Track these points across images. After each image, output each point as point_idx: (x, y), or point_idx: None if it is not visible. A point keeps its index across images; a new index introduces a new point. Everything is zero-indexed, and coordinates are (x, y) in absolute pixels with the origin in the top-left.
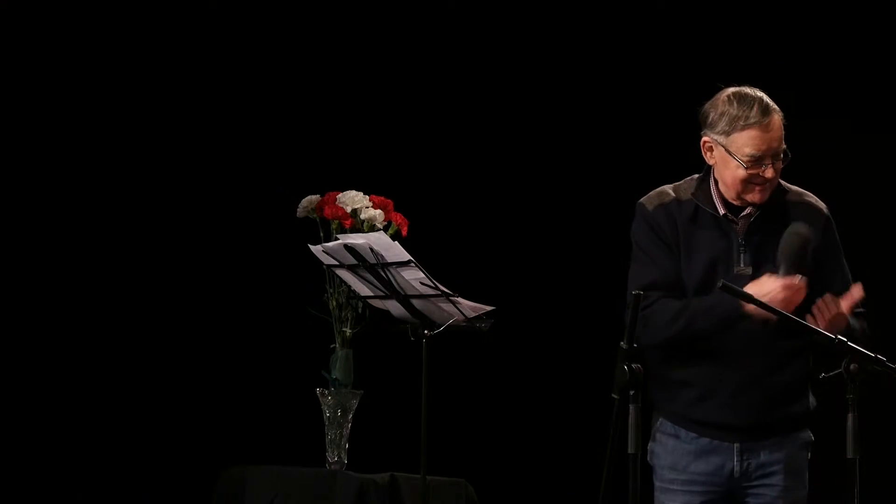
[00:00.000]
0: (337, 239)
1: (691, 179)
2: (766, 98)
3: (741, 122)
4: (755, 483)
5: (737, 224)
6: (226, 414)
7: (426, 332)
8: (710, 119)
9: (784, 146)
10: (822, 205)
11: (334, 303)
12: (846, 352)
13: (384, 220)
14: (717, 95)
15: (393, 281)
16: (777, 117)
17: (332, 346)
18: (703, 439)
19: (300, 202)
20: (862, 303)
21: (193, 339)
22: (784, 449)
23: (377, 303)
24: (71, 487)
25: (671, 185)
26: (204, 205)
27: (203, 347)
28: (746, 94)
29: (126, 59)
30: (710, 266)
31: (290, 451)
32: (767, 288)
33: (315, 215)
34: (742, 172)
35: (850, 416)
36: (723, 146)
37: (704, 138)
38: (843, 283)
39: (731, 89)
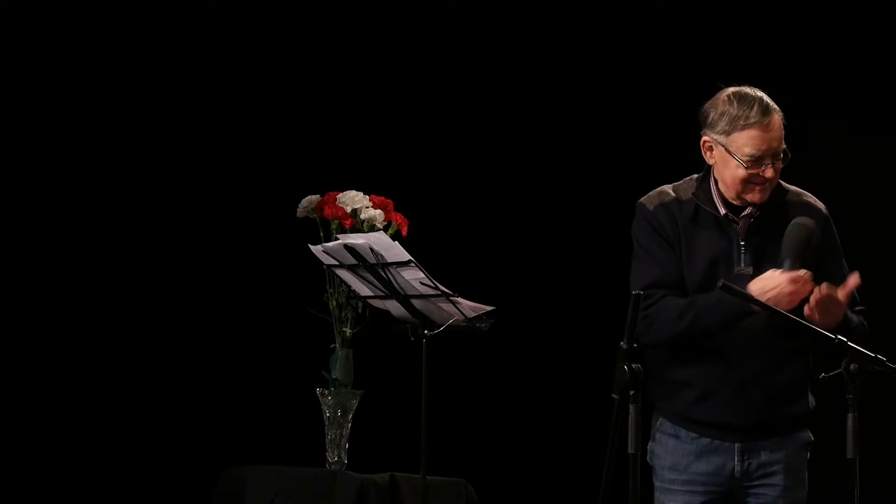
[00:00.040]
0: (337, 239)
1: (690, 179)
2: (766, 98)
3: (741, 122)
4: (756, 483)
5: (737, 224)
6: (226, 414)
7: (426, 332)
8: (710, 119)
9: (784, 146)
10: (820, 205)
11: (334, 303)
12: (846, 352)
13: (384, 220)
14: (718, 95)
15: (393, 281)
16: (777, 117)
17: (332, 346)
18: (703, 439)
19: (300, 202)
20: (861, 301)
21: (194, 340)
22: (784, 449)
23: (377, 303)
24: (71, 487)
25: (670, 185)
26: (204, 205)
27: (203, 347)
28: (747, 94)
29: (126, 59)
30: (710, 266)
31: (290, 451)
32: (774, 283)
33: (315, 215)
34: (742, 172)
35: (850, 416)
36: (723, 146)
37: (704, 138)
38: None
39: (732, 89)
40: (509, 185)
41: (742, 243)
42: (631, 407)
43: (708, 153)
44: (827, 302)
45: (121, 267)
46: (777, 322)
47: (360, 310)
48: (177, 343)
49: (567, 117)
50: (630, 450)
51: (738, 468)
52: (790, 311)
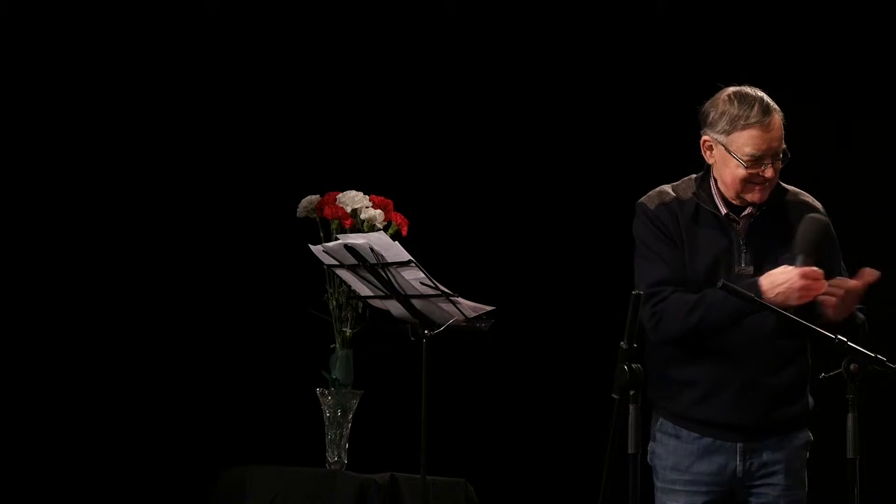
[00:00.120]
0: (337, 239)
1: (689, 179)
2: (766, 98)
3: (742, 122)
4: (757, 483)
5: (738, 224)
6: (226, 414)
7: (426, 332)
8: (710, 118)
9: (784, 146)
10: (818, 205)
11: (334, 303)
12: (846, 352)
13: (384, 220)
14: (718, 95)
15: (393, 281)
16: (777, 117)
17: (332, 346)
18: (705, 439)
19: (300, 202)
20: (861, 301)
21: (194, 340)
22: (785, 448)
23: (377, 303)
24: (71, 487)
25: (670, 185)
26: (204, 205)
27: (203, 348)
28: (747, 94)
29: (126, 59)
30: (712, 265)
31: (290, 451)
32: (784, 278)
33: (315, 215)
34: (742, 172)
35: (850, 416)
36: (723, 145)
37: (704, 137)
38: None
39: (732, 89)
40: (509, 185)
41: (742, 243)
42: (631, 407)
43: (708, 153)
44: (848, 295)
45: (121, 267)
46: (781, 320)
47: (360, 310)
48: (177, 343)
49: (567, 117)
50: (630, 450)
51: (739, 468)
52: (795, 308)
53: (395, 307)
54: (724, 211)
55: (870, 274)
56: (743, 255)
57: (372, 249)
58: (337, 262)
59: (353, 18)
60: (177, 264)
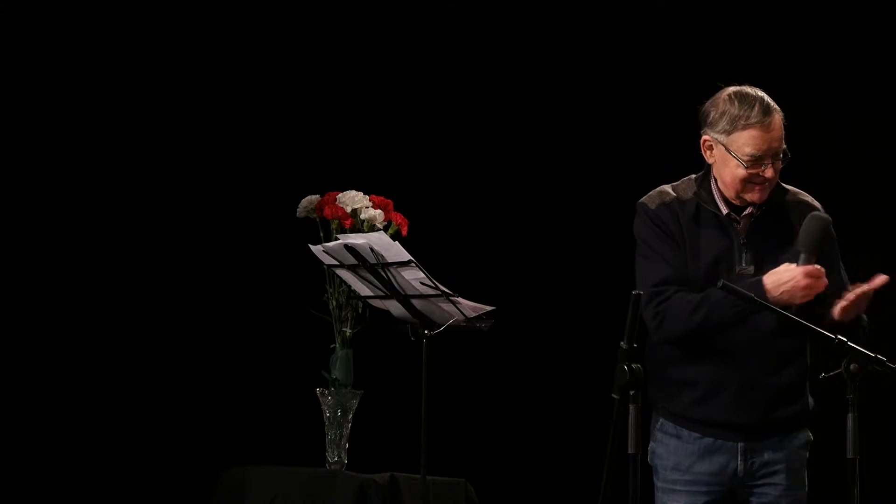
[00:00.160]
0: (337, 239)
1: (689, 179)
2: (766, 98)
3: (742, 122)
4: (758, 483)
5: (738, 223)
6: (226, 414)
7: (426, 332)
8: (710, 118)
9: (784, 146)
10: (818, 205)
11: (334, 303)
12: (846, 352)
13: (384, 220)
14: (718, 94)
15: (393, 281)
16: (778, 117)
17: (332, 346)
18: (706, 439)
19: (300, 202)
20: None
21: (194, 340)
22: (785, 448)
23: (377, 303)
24: (71, 487)
25: (670, 185)
26: (204, 205)
27: (203, 347)
28: (747, 94)
29: (126, 59)
30: (713, 265)
31: (290, 451)
32: (789, 276)
33: (315, 215)
34: (742, 172)
35: (850, 416)
36: (723, 145)
37: (704, 137)
38: (838, 286)
39: (732, 88)
40: (509, 185)
41: (743, 243)
42: (631, 407)
43: (708, 152)
44: (861, 299)
45: (121, 267)
46: (781, 320)
47: (360, 310)
48: (177, 343)
49: (567, 117)
50: (630, 450)
51: (740, 468)
52: (795, 308)
53: (395, 307)
54: (725, 211)
55: (881, 280)
56: (743, 254)
57: (372, 249)
58: (337, 262)
59: (353, 18)
60: (177, 264)
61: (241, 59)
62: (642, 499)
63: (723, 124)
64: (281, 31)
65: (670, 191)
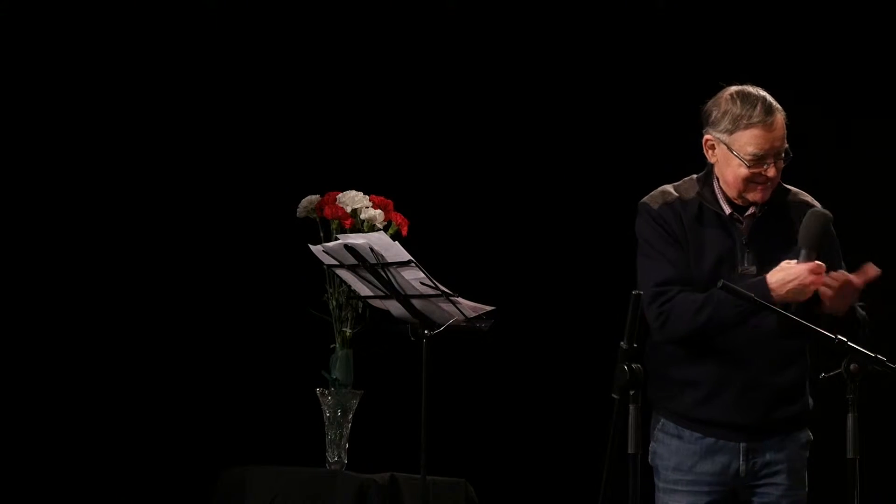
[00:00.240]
0: (337, 239)
1: (691, 179)
2: (769, 97)
3: (744, 121)
4: (760, 483)
5: (741, 223)
6: (226, 414)
7: (426, 332)
8: (712, 117)
9: (786, 145)
10: (818, 205)
11: (334, 303)
12: (846, 352)
13: (384, 220)
14: (720, 94)
15: (393, 281)
16: (780, 117)
17: (332, 346)
18: (707, 439)
19: (300, 202)
20: (861, 301)
21: (194, 340)
22: (786, 448)
23: (377, 303)
24: (71, 487)
25: (671, 185)
26: (204, 205)
27: (203, 347)
28: (750, 93)
29: (126, 59)
30: (716, 265)
31: (290, 451)
32: (794, 274)
33: (315, 215)
34: (744, 171)
35: (850, 416)
36: (725, 144)
37: (706, 136)
38: None
39: (734, 88)
40: (509, 185)
41: (745, 243)
42: (631, 407)
43: (710, 152)
44: (845, 287)
45: (121, 267)
46: (781, 320)
47: (360, 310)
48: (177, 343)
49: (567, 117)
50: (630, 450)
51: (742, 468)
52: (796, 308)
53: (395, 307)
54: (727, 211)
55: (871, 269)
56: (746, 254)
57: (372, 249)
58: (337, 262)
59: (353, 18)
60: (177, 264)
61: (241, 59)
62: (642, 499)
63: (725, 124)
64: (281, 31)
65: (672, 191)
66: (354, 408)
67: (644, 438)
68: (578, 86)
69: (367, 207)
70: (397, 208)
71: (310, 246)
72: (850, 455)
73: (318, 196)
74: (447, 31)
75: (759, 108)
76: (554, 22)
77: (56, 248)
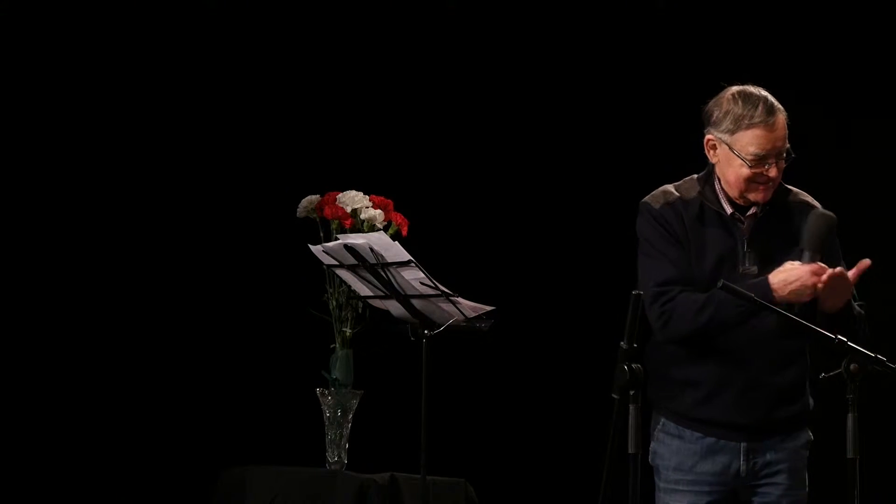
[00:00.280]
0: (337, 239)
1: (692, 179)
2: (770, 97)
3: (746, 121)
4: (761, 483)
5: (742, 223)
6: (226, 414)
7: (426, 332)
8: (714, 117)
9: (788, 145)
10: (819, 205)
11: (334, 303)
12: (846, 352)
13: (384, 220)
14: (722, 94)
15: (393, 281)
16: (781, 117)
17: (332, 346)
18: (708, 439)
19: (300, 202)
20: (861, 302)
21: (194, 340)
22: (787, 448)
23: (377, 303)
24: (71, 487)
25: (672, 185)
26: (204, 205)
27: (203, 348)
28: (751, 94)
29: (126, 59)
30: (717, 265)
31: (290, 451)
32: (796, 275)
33: (315, 215)
34: (746, 171)
35: (850, 416)
36: (727, 144)
37: (708, 136)
38: None
39: (736, 88)
40: (509, 185)
41: (746, 243)
42: (631, 407)
43: (711, 152)
44: (837, 280)
45: (121, 267)
46: (782, 320)
47: (360, 310)
48: (177, 343)
49: (567, 117)
50: (630, 450)
51: (743, 468)
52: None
53: (395, 307)
54: (729, 210)
55: (862, 263)
56: (747, 254)
57: (372, 249)
58: (337, 262)
59: (353, 18)
60: (177, 264)
61: (241, 59)
62: (642, 499)
63: (726, 124)
64: (281, 31)
65: (673, 191)
66: (354, 408)
67: (644, 438)
68: (578, 86)
69: (367, 207)
70: (397, 208)
71: (310, 246)
72: (850, 455)
73: (318, 196)
74: (447, 31)
75: (760, 108)
76: (554, 22)
77: (56, 249)
